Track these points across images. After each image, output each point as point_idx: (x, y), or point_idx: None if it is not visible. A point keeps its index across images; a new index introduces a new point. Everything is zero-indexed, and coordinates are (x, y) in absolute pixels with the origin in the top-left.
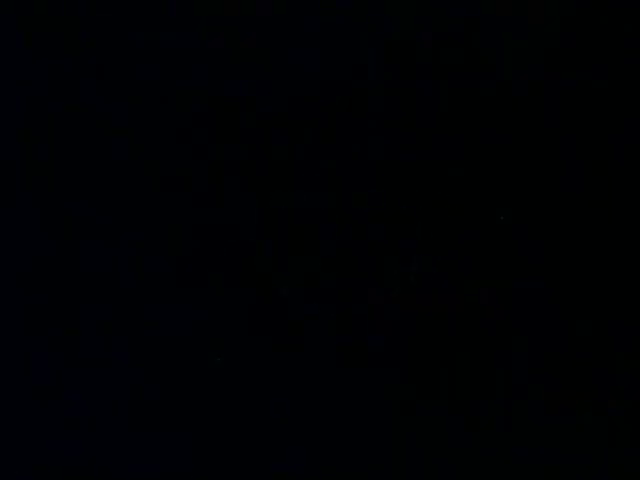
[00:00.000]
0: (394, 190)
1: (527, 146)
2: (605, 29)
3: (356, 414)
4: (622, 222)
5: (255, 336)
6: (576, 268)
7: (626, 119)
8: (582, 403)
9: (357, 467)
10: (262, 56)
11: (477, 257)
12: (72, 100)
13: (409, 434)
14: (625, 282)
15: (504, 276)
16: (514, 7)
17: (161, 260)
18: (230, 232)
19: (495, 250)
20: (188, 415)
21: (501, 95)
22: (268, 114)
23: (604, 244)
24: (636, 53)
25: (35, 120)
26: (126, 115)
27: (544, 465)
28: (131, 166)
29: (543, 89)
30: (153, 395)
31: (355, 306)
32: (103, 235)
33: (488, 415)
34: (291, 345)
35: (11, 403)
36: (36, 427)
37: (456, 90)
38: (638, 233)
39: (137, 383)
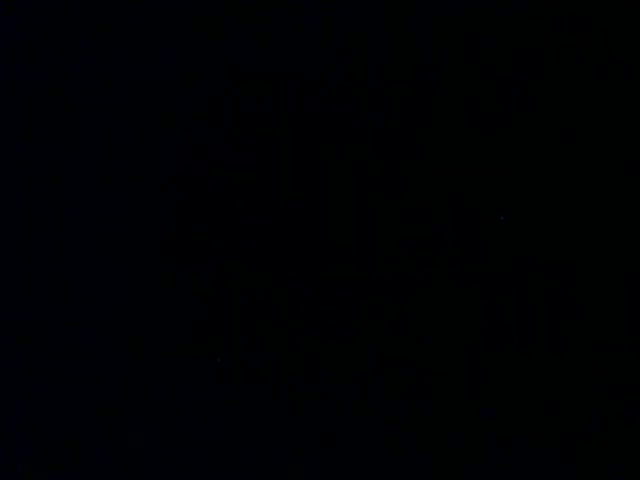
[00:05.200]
0: (394, 190)
1: (527, 146)
2: (606, 29)
3: (356, 414)
4: (624, 222)
5: (255, 336)
6: (577, 268)
7: (627, 119)
8: (583, 403)
9: (358, 467)
10: (262, 56)
11: (477, 257)
12: (72, 100)
13: (408, 434)
14: (627, 283)
15: (504, 276)
16: (514, 7)
17: (161, 260)
18: (230, 232)
19: (495, 250)
20: (188, 415)
21: (501, 95)
22: (268, 114)
23: (605, 245)
24: (636, 53)
25: (35, 120)
26: (126, 115)
27: (545, 466)
28: (131, 166)
29: (544, 89)
30: (153, 395)
31: (355, 306)
32: (102, 235)
33: (488, 416)
34: (291, 345)
35: (9, 403)
36: (35, 427)
37: (456, 90)
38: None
39: (136, 383)
